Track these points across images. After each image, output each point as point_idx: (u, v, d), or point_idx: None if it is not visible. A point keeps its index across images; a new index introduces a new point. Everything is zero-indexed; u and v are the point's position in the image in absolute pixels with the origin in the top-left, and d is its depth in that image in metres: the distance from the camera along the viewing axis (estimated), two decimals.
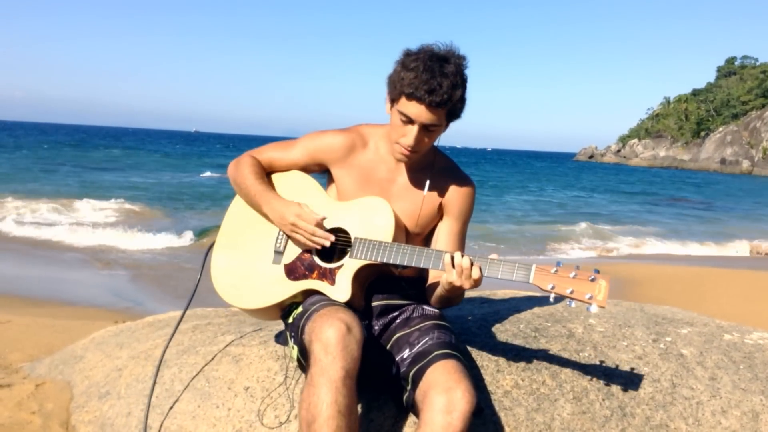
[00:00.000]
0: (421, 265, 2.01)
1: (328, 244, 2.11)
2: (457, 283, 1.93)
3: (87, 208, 17.42)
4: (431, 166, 2.24)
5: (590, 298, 1.80)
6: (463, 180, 2.28)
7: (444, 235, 2.25)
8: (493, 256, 1.94)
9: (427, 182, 2.22)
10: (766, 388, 2.45)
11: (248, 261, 2.26)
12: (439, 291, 2.10)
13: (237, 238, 2.32)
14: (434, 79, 1.95)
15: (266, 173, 2.32)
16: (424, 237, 2.29)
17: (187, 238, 13.14)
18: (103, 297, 7.79)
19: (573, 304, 1.83)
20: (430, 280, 2.26)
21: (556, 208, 26.27)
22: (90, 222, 14.47)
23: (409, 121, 2.02)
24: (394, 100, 2.05)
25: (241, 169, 2.28)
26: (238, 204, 2.37)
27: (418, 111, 1.99)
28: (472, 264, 1.92)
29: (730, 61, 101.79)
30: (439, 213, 2.26)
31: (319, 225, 2.12)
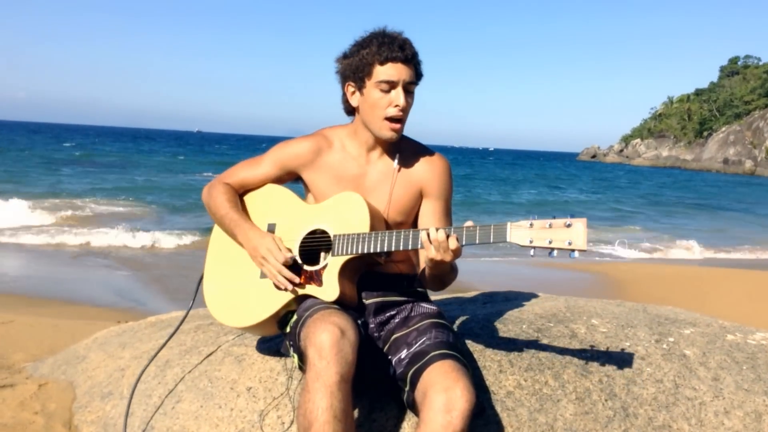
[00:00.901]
0: (401, 248, 2.01)
1: (290, 287, 2.13)
2: (438, 257, 1.93)
3: (88, 208, 17.45)
4: (400, 150, 2.27)
5: (570, 244, 1.75)
6: (435, 159, 2.30)
7: (428, 216, 2.27)
8: (468, 223, 1.94)
9: (397, 156, 2.25)
10: None
11: (237, 281, 2.28)
12: (426, 271, 2.12)
13: (223, 261, 2.35)
14: (397, 39, 2.11)
15: (241, 194, 2.37)
16: (409, 225, 2.29)
17: (190, 237, 13.15)
18: (105, 297, 7.81)
19: (555, 254, 1.79)
20: (422, 265, 2.26)
21: (560, 208, 26.24)
22: (92, 222, 14.49)
23: (392, 85, 2.10)
24: (364, 79, 2.12)
25: (215, 197, 2.31)
26: (219, 229, 2.40)
27: (397, 70, 2.09)
28: (448, 236, 1.92)
29: (733, 60, 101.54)
30: (419, 197, 2.28)
31: (287, 263, 2.13)
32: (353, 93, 2.18)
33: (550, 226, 1.79)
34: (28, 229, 12.96)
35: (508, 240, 1.84)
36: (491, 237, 1.88)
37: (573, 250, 1.76)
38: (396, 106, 2.11)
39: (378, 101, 2.12)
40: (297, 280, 2.12)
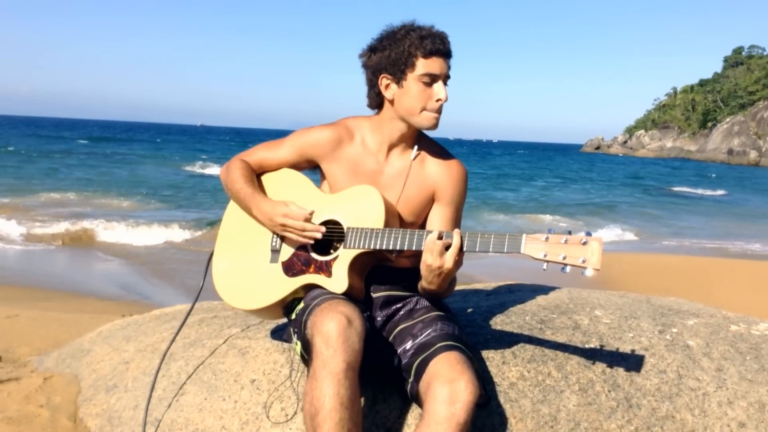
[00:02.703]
0: (414, 247, 2.00)
1: (319, 236, 2.12)
2: (437, 263, 1.93)
3: (92, 201, 17.49)
4: (419, 149, 2.26)
5: (584, 261, 1.74)
6: (453, 163, 2.28)
7: (435, 221, 2.25)
8: (456, 231, 1.93)
9: (415, 147, 2.25)
10: None
11: (247, 263, 2.28)
12: (421, 285, 2.09)
13: (234, 241, 2.34)
14: (437, 33, 2.11)
15: (257, 174, 2.35)
16: (418, 227, 2.27)
17: (194, 231, 13.18)
18: (110, 290, 7.83)
19: (567, 270, 1.78)
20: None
21: (566, 200, 26.23)
22: (96, 215, 14.51)
23: (434, 79, 2.10)
24: (405, 71, 2.10)
25: (231, 172, 2.30)
26: (233, 209, 2.39)
27: (440, 64, 2.10)
28: (446, 247, 1.92)
29: (737, 50, 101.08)
30: (431, 199, 2.26)
31: (308, 220, 2.13)
32: (388, 86, 2.15)
33: (566, 241, 1.78)
34: (30, 223, 12.99)
35: (521, 252, 1.84)
36: (505, 247, 1.87)
37: (586, 268, 1.75)
38: (438, 99, 2.11)
39: (420, 94, 2.10)
40: (323, 229, 2.12)
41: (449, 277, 2.00)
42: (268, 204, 2.20)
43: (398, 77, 2.12)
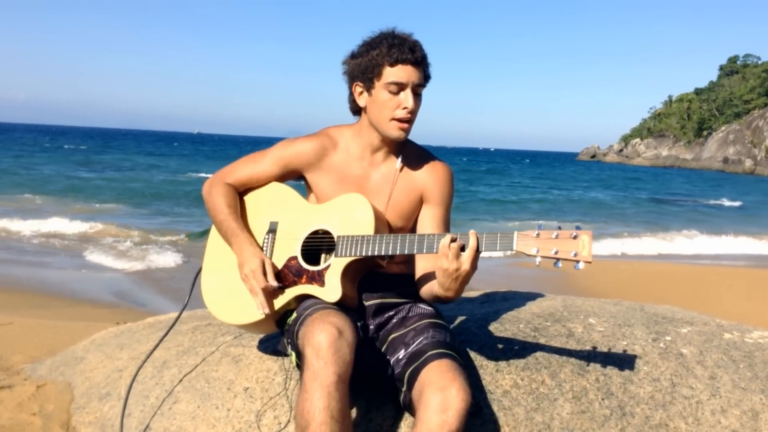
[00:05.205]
0: (406, 252, 2.00)
1: (260, 311, 2.13)
2: (453, 266, 1.88)
3: (87, 208, 17.44)
4: (403, 153, 2.26)
5: (575, 255, 1.77)
6: (438, 165, 2.29)
7: (427, 223, 2.25)
8: (471, 232, 1.91)
9: (399, 159, 2.24)
10: (765, 387, 2.44)
11: (237, 277, 2.25)
12: (437, 289, 2.02)
13: (223, 256, 2.32)
14: (407, 41, 2.10)
15: (241, 192, 2.35)
16: (408, 231, 2.28)
17: (188, 239, 13.15)
18: (104, 298, 7.81)
19: (560, 264, 1.81)
20: (418, 273, 2.22)
21: (567, 208, 26.26)
22: (89, 223, 14.47)
23: (401, 87, 2.09)
24: (373, 80, 2.11)
25: (214, 198, 2.29)
26: None
27: (407, 72, 2.08)
28: (463, 246, 1.88)
29: (733, 59, 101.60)
30: (420, 202, 2.26)
31: (267, 289, 2.13)
32: (361, 93, 2.17)
33: (557, 236, 1.81)
34: (25, 229, 12.96)
35: (514, 249, 1.86)
36: (497, 245, 1.88)
37: (578, 261, 1.77)
38: (404, 108, 2.10)
39: (386, 102, 2.10)
40: (267, 310, 2.13)
41: (467, 281, 1.95)
42: (248, 251, 2.18)
43: (368, 85, 2.13)
